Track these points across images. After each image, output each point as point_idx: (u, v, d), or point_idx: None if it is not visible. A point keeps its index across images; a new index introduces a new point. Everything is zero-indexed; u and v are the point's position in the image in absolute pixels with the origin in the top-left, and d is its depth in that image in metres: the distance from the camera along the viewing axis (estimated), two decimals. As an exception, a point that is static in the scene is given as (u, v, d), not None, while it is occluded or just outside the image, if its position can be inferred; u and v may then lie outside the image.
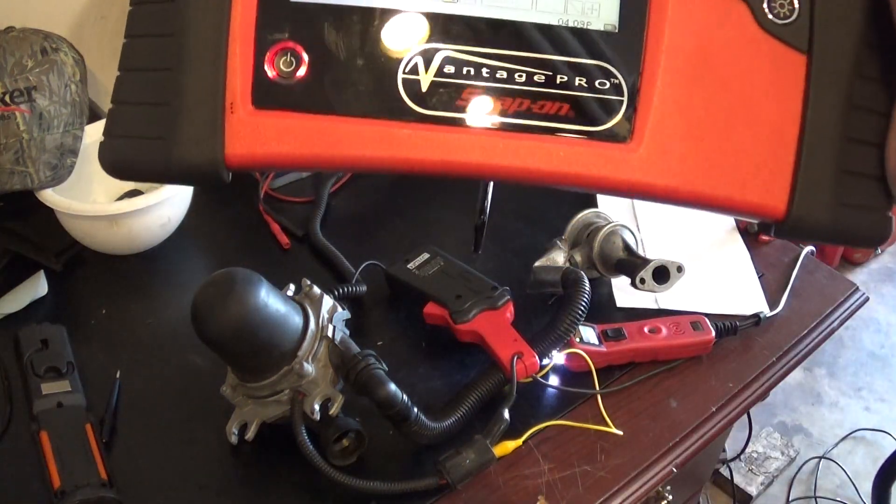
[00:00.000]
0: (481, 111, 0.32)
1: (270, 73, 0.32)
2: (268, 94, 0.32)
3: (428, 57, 0.32)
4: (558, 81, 0.32)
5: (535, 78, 0.32)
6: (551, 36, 0.32)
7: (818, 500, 1.96)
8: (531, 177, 0.32)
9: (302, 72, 0.32)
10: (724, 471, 1.89)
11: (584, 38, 0.32)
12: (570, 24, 0.32)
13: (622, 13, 0.32)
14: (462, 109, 0.32)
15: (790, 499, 1.94)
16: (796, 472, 1.98)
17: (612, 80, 0.32)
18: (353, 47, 0.32)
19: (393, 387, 0.70)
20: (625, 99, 0.32)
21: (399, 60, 0.32)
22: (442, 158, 0.32)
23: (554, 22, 0.31)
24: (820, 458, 2.01)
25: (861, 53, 0.32)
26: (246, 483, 0.74)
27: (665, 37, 0.32)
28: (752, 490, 1.89)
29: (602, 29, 0.32)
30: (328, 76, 0.32)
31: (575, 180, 0.33)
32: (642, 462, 0.76)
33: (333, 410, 0.69)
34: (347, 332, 0.75)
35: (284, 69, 0.32)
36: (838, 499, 1.96)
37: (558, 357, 0.81)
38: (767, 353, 0.87)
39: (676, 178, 0.32)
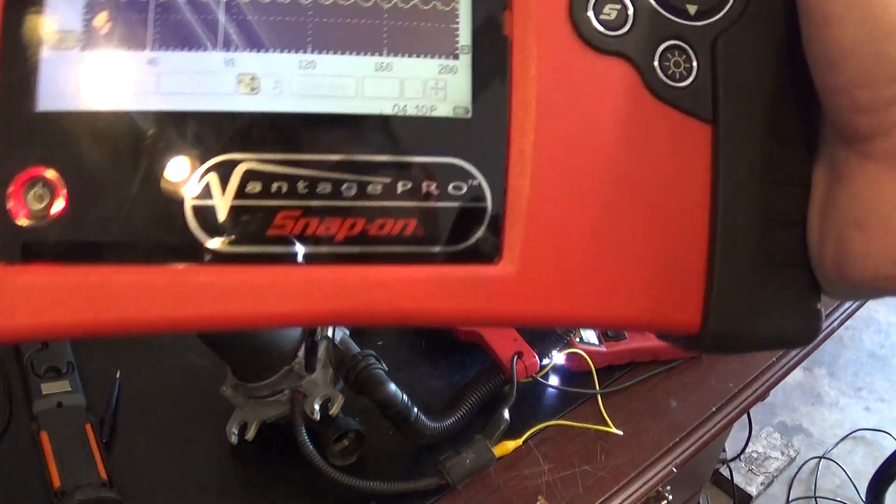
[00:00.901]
0: (302, 241, 0.24)
1: (18, 212, 0.23)
2: (17, 243, 0.23)
3: (224, 173, 0.24)
4: (400, 191, 0.25)
5: (370, 189, 0.24)
6: (385, 130, 0.25)
7: (818, 500, 1.95)
8: (376, 319, 0.25)
9: (59, 207, 0.23)
10: (724, 471, 1.89)
11: (428, 129, 0.25)
12: (409, 113, 0.25)
13: (476, 92, 0.25)
14: (276, 241, 0.24)
15: (790, 499, 1.94)
16: (796, 472, 1.98)
17: (469, 181, 0.25)
18: (123, 168, 0.24)
19: (393, 387, 0.69)
20: (488, 205, 0.25)
21: (185, 181, 0.24)
22: (255, 310, 0.24)
23: (388, 111, 0.25)
24: (820, 458, 2.01)
25: (775, 113, 0.26)
26: (246, 483, 0.74)
27: (534, 117, 0.25)
28: (752, 490, 1.89)
29: (451, 115, 0.25)
30: (94, 211, 0.24)
31: (433, 317, 0.25)
32: (642, 462, 0.76)
33: (333, 410, 0.69)
34: (347, 332, 0.75)
35: (36, 206, 0.23)
36: (838, 499, 1.95)
37: (558, 357, 0.81)
38: (767, 353, 0.87)
39: (562, 301, 0.25)
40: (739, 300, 0.26)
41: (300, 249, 0.24)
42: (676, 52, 0.26)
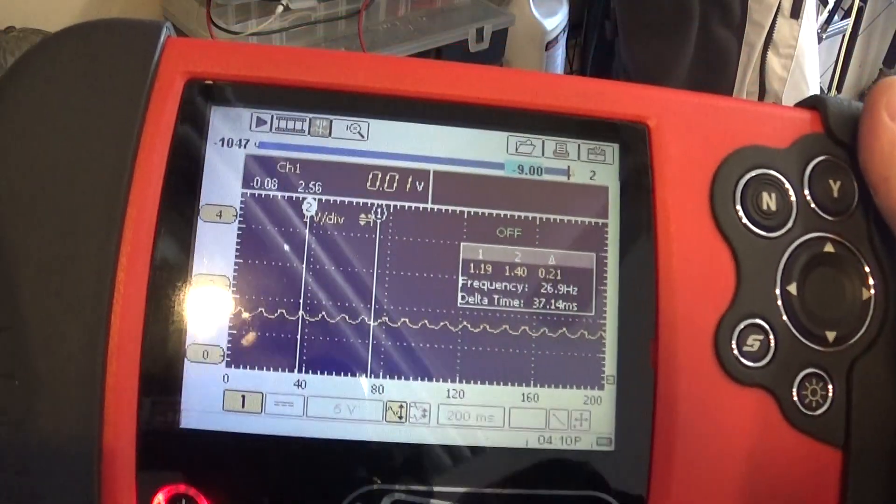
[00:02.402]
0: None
1: None
2: None
3: (372, 501, 0.24)
4: None
5: None
6: (530, 462, 0.25)
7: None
8: None
9: None
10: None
11: (571, 462, 0.25)
12: (554, 445, 0.25)
13: (620, 423, 0.25)
14: None
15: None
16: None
17: None
18: (270, 494, 0.24)
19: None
20: None
21: None
22: None
23: (533, 443, 0.25)
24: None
25: None
26: None
27: (675, 450, 0.25)
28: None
29: (594, 447, 0.25)
30: None
31: None
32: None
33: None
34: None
35: None
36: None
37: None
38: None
39: None
40: None
41: None
42: (814, 381, 0.26)
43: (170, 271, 0.24)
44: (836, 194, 0.27)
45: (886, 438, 0.26)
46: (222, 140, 0.25)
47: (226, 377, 0.24)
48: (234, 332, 0.24)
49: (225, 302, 0.24)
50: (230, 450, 0.24)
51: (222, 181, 0.25)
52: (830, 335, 0.26)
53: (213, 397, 0.24)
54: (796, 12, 1.04)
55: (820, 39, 1.26)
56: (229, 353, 0.24)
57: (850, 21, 1.70)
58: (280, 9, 0.95)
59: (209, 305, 0.24)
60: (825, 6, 1.49)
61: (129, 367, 0.23)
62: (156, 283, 0.24)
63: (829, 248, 0.27)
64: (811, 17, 1.09)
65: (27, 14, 0.94)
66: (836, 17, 1.65)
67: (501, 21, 1.17)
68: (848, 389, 0.26)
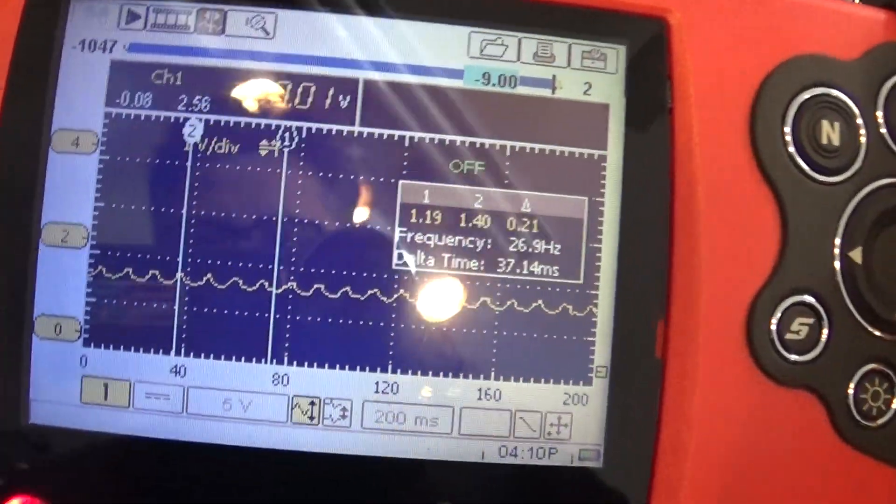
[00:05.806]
0: None
1: None
2: None
3: None
4: None
5: None
6: (485, 483, 0.19)
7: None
8: None
9: None
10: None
11: (543, 484, 0.19)
12: (520, 459, 0.19)
13: (611, 430, 0.19)
14: None
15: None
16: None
17: None
18: None
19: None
20: None
21: None
22: None
23: (492, 457, 0.18)
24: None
25: None
26: None
27: (687, 467, 0.19)
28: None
29: (575, 462, 0.19)
30: None
31: None
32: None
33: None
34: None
35: None
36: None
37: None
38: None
39: None
40: None
41: None
42: (877, 380, 0.19)
43: (11, 220, 0.18)
44: None
45: None
46: (83, 42, 0.19)
47: (83, 359, 0.18)
48: (94, 299, 0.18)
49: (82, 260, 0.18)
50: (90, 455, 0.18)
51: (80, 97, 0.18)
52: None
53: (68, 385, 0.18)
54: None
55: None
56: (87, 327, 0.18)
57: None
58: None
59: (62, 264, 0.18)
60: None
61: None
62: None
63: None
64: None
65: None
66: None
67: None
68: None
